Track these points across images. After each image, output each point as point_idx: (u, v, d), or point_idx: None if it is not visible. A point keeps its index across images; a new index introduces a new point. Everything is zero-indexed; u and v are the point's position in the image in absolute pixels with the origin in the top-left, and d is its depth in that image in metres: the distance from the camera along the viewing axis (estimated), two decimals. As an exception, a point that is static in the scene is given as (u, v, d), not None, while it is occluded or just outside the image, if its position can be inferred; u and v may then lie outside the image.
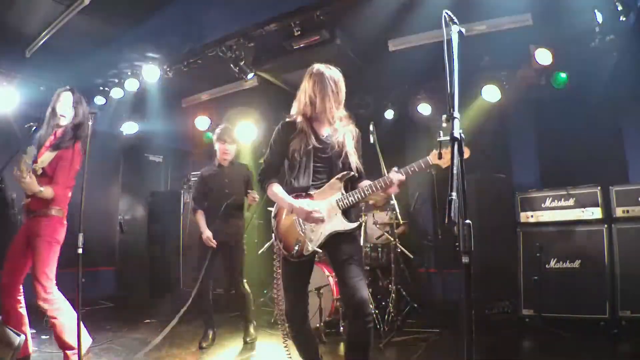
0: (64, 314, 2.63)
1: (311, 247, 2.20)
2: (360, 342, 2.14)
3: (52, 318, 2.60)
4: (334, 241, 2.22)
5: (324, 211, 2.20)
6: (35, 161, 2.69)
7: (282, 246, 2.28)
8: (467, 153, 2.04)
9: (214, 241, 3.62)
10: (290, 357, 2.44)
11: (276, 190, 2.29)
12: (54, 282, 2.66)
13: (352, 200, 2.22)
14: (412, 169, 2.22)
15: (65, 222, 2.80)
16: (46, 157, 2.75)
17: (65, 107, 2.85)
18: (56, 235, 2.71)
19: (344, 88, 2.34)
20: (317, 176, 2.28)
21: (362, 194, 2.21)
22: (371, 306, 2.17)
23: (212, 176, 3.89)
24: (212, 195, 3.82)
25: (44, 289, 2.57)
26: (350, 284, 2.15)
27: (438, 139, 2.07)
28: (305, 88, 2.31)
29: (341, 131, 2.32)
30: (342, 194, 2.24)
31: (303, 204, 2.19)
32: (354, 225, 2.24)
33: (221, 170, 3.89)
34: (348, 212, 2.26)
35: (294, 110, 2.37)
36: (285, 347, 2.43)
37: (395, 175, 2.22)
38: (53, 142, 2.80)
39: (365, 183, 2.30)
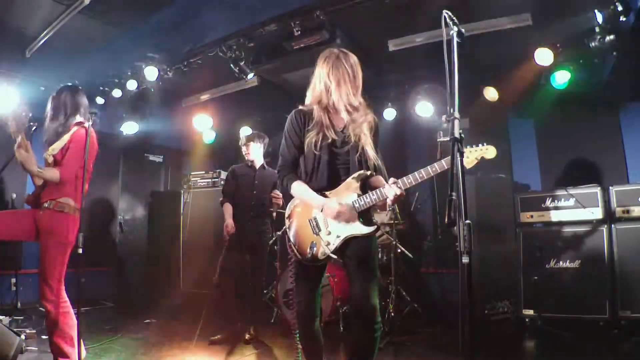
0: (65, 319, 2.56)
1: (327, 251, 2.11)
2: (365, 351, 2.09)
3: (52, 321, 2.52)
4: (349, 244, 2.13)
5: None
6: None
7: (295, 250, 2.18)
8: (493, 152, 1.99)
9: (232, 228, 3.75)
10: (299, 357, 2.41)
11: (301, 187, 2.15)
12: (63, 284, 2.58)
13: (369, 201, 2.08)
14: (420, 175, 2.02)
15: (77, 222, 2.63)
16: (57, 144, 2.65)
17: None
18: (70, 236, 2.58)
19: (361, 73, 2.20)
20: (334, 174, 2.17)
21: (381, 195, 2.06)
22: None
23: (243, 175, 3.99)
24: (241, 194, 3.93)
25: (52, 290, 2.51)
26: (359, 291, 2.07)
27: (438, 140, 2.07)
28: (320, 74, 2.18)
29: (359, 122, 2.18)
30: (359, 195, 2.12)
31: (333, 201, 2.08)
32: (372, 228, 2.11)
33: (252, 171, 3.98)
34: (365, 214, 2.14)
35: (308, 99, 2.24)
36: (298, 348, 2.39)
37: (391, 190, 2.02)
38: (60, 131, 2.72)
39: (381, 181, 2.20)
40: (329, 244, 2.11)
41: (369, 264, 2.12)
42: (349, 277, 2.19)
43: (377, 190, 2.08)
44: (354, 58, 2.19)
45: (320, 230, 2.15)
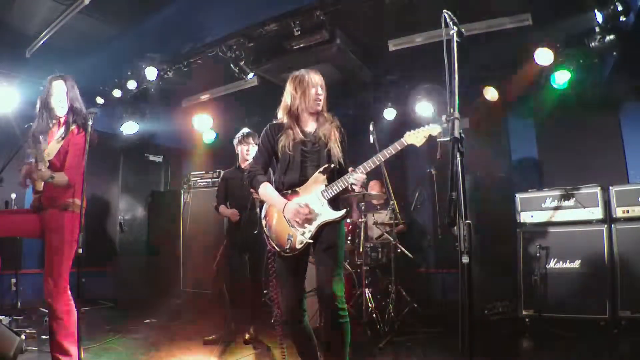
0: (70, 316, 2.56)
1: (303, 239, 2.26)
2: (332, 336, 2.20)
3: (57, 318, 2.52)
4: (322, 231, 2.28)
5: (311, 206, 2.27)
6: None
7: (274, 244, 2.34)
8: (437, 129, 2.17)
9: (233, 214, 3.80)
10: (285, 358, 2.44)
11: (266, 189, 2.37)
12: (68, 282, 2.59)
13: (335, 189, 2.28)
14: (378, 158, 2.24)
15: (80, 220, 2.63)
16: (52, 148, 2.65)
17: (60, 95, 2.74)
18: (76, 234, 2.57)
19: (324, 89, 2.43)
20: (305, 170, 2.35)
21: (345, 181, 2.26)
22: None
23: (233, 179, 3.99)
24: (233, 198, 3.93)
25: (57, 288, 2.52)
26: (322, 277, 2.23)
27: (438, 140, 2.12)
28: (288, 90, 2.45)
29: (326, 126, 2.40)
30: (326, 186, 2.31)
31: (291, 204, 2.26)
32: (341, 213, 2.28)
33: (242, 174, 3.95)
34: (334, 202, 2.33)
35: (280, 114, 2.49)
36: (282, 348, 2.42)
37: (354, 176, 2.24)
38: (57, 133, 2.70)
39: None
40: (304, 233, 2.27)
41: (334, 252, 2.28)
42: (316, 262, 2.36)
43: (342, 178, 2.28)
44: (318, 76, 2.43)
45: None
